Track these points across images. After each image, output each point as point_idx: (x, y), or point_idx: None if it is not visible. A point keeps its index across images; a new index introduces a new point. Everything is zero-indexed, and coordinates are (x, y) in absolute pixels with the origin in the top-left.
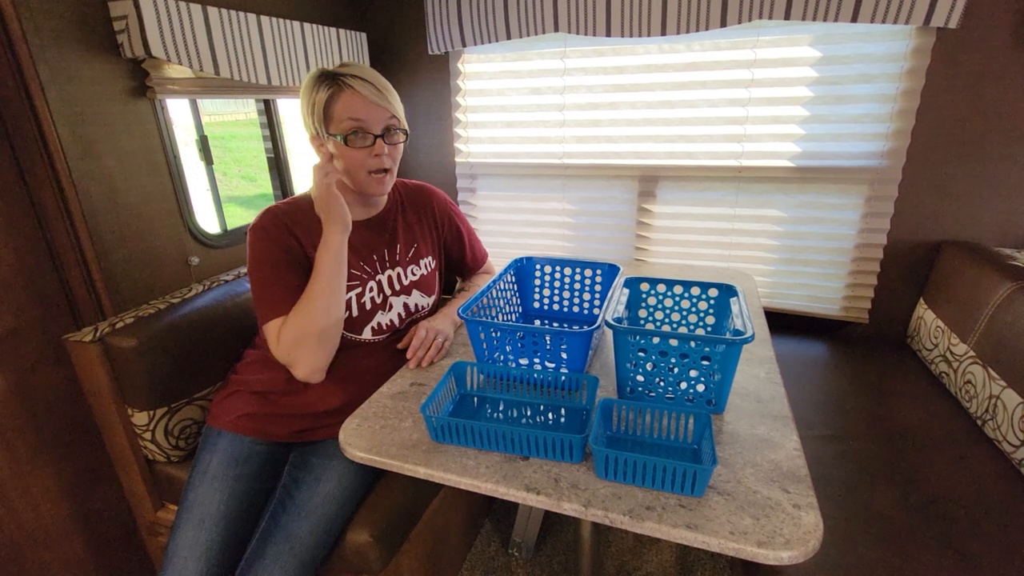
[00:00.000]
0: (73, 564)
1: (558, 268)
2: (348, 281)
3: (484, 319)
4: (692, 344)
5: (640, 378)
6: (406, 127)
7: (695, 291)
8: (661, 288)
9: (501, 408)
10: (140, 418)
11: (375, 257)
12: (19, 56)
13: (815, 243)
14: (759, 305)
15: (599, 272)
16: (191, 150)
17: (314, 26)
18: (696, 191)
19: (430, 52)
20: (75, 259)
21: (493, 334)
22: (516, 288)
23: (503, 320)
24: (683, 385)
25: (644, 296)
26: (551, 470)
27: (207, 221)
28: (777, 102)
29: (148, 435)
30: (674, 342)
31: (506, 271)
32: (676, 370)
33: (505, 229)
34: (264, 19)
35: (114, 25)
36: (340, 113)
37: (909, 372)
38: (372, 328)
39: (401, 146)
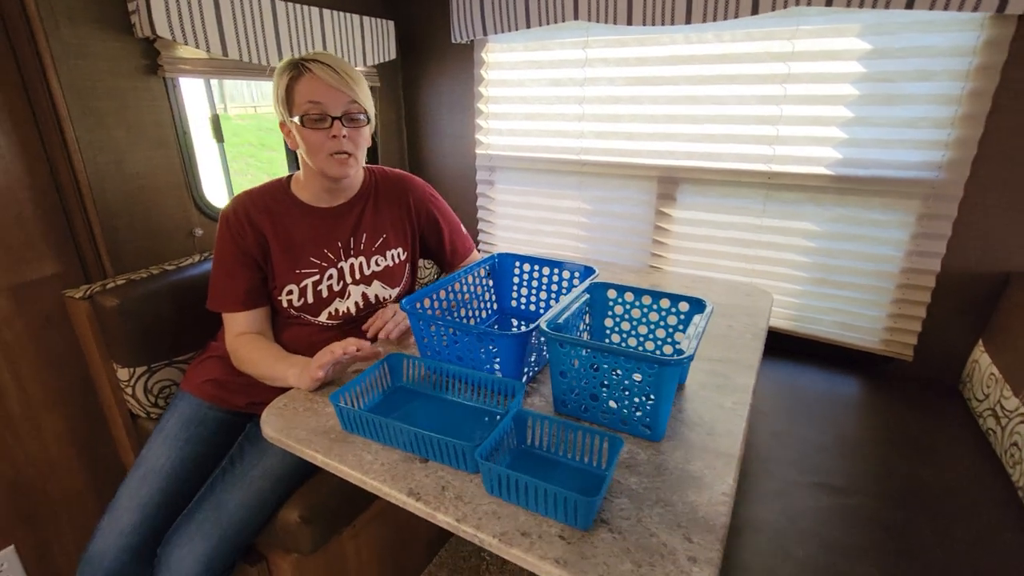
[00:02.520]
0: (72, 498)
1: (536, 267)
2: (305, 268)
3: (423, 311)
4: (624, 360)
5: (573, 392)
6: (370, 113)
7: (664, 303)
8: (629, 297)
9: (430, 406)
10: (123, 373)
11: (339, 244)
12: (34, 32)
13: (853, 264)
14: (763, 327)
15: (576, 274)
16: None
17: (334, 12)
18: (719, 197)
19: (453, 40)
20: (82, 221)
21: (430, 328)
22: (491, 285)
23: (476, 317)
24: (615, 405)
25: (611, 304)
26: (444, 477)
27: (217, 196)
28: (816, 101)
29: (129, 390)
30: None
31: (477, 266)
32: (609, 386)
33: (519, 225)
34: (279, 4)
35: (128, 5)
36: (300, 97)
37: (952, 424)
38: (329, 313)
39: (365, 131)
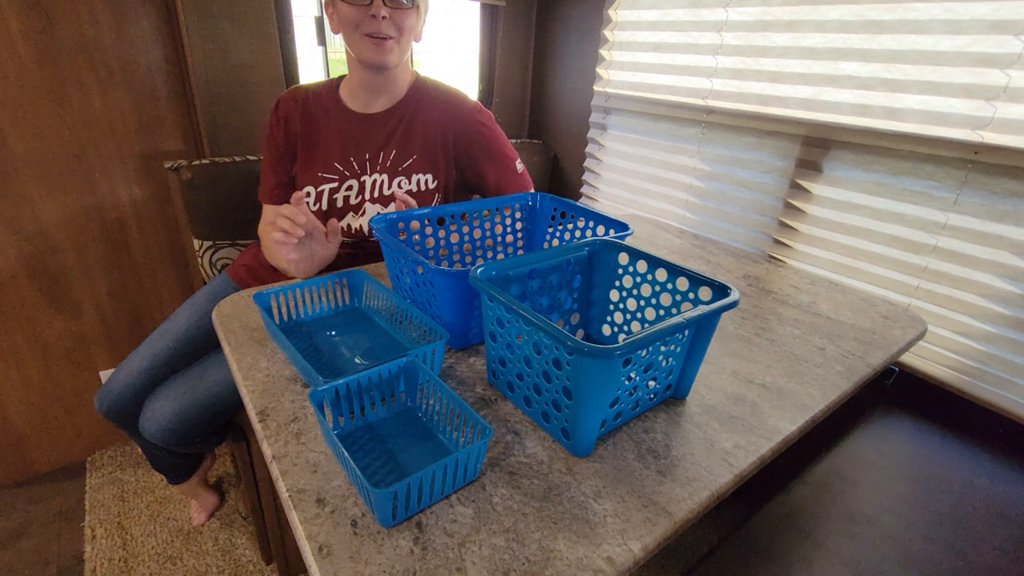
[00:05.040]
0: None
1: (572, 217)
2: (327, 173)
3: (410, 235)
4: (545, 335)
5: (500, 361)
6: None
7: (682, 284)
8: (641, 267)
9: (369, 336)
10: (195, 244)
11: (366, 156)
12: None
13: None
14: (875, 364)
15: (611, 233)
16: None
17: None
18: (887, 173)
19: None
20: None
21: (389, 251)
22: (521, 228)
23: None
24: (539, 392)
25: (620, 273)
26: (306, 409)
27: None
28: None
29: (198, 260)
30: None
31: (504, 202)
32: (532, 365)
33: (625, 181)
34: None
35: None
36: None
37: None
38: (342, 228)
39: (411, 16)
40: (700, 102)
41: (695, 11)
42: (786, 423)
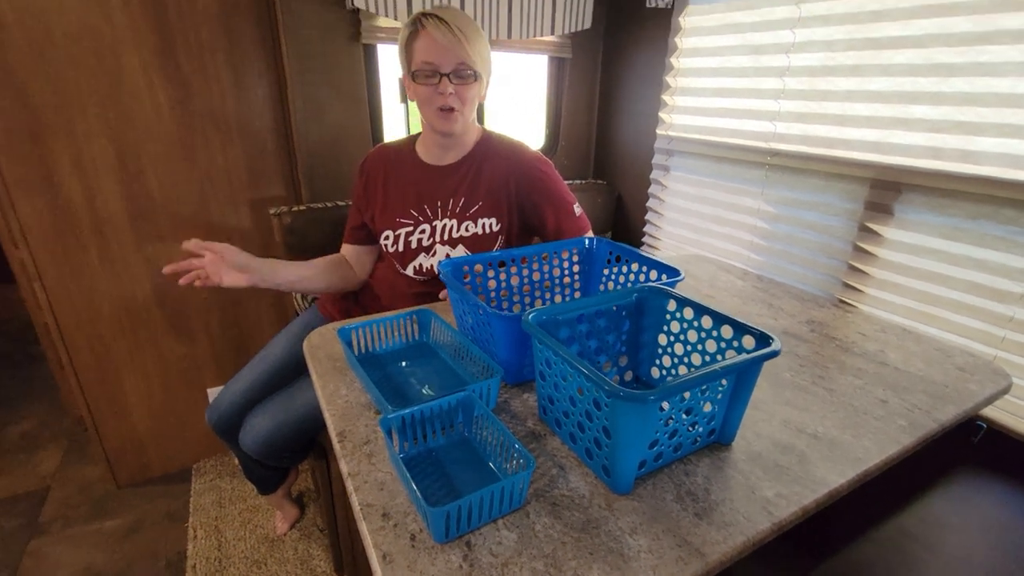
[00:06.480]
0: None
1: (626, 262)
2: (402, 218)
3: (455, 280)
4: (586, 378)
5: (548, 399)
6: (480, 70)
7: (726, 332)
8: (688, 313)
9: (435, 369)
10: None
11: (438, 203)
12: (272, 5)
13: None
14: (943, 419)
15: (663, 278)
16: None
17: None
18: (966, 218)
19: (648, 4)
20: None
21: (454, 294)
22: (577, 272)
23: (547, 303)
24: (582, 430)
25: (668, 318)
26: (378, 433)
27: None
28: None
29: (293, 295)
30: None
31: (561, 246)
32: (576, 404)
33: (689, 222)
34: None
35: None
36: (416, 54)
37: None
38: (414, 267)
39: (473, 88)
40: (763, 145)
41: (756, 58)
42: (835, 476)
